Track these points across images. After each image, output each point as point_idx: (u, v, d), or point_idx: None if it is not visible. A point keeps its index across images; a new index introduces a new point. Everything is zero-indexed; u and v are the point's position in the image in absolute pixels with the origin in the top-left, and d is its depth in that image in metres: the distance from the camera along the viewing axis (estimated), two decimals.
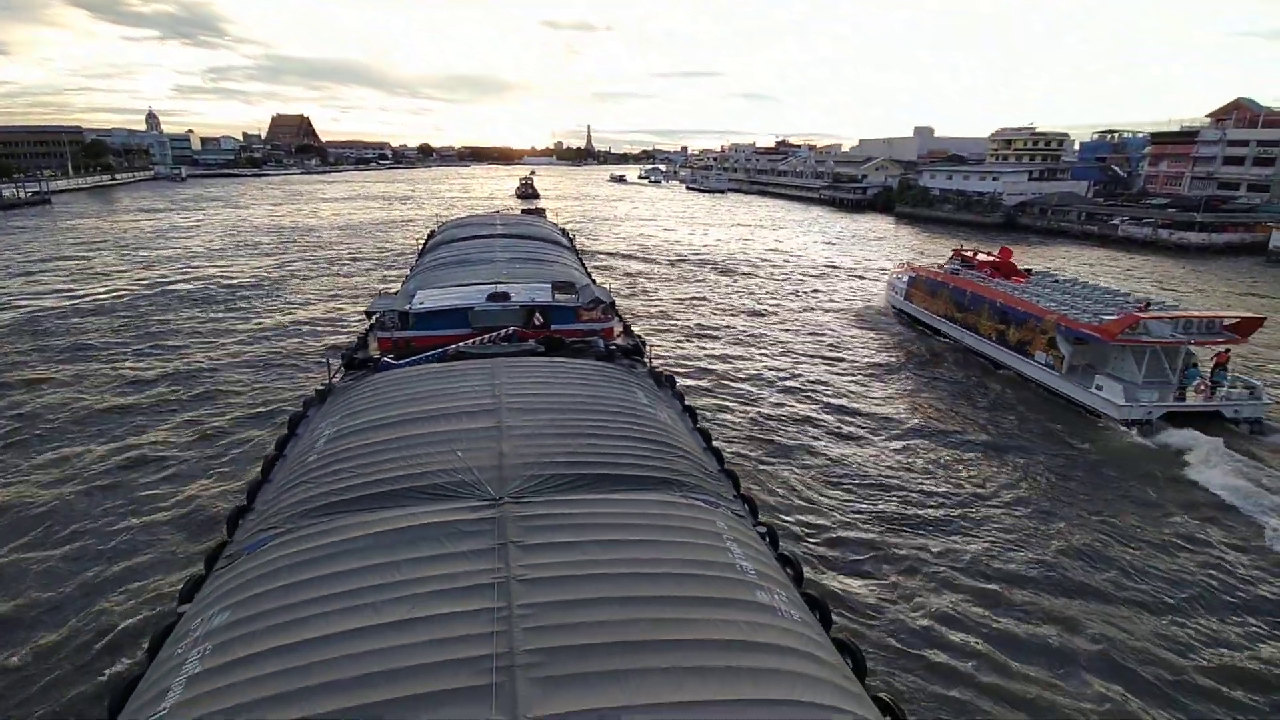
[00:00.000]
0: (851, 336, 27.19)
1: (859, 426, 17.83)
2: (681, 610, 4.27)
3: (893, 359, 24.25)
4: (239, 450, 15.51)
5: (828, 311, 31.56)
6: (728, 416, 18.11)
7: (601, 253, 48.45)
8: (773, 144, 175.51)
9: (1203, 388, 17.87)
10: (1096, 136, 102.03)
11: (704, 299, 33.74)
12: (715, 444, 8.26)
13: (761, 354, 24.41)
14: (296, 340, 25.16)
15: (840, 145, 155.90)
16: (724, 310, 31.48)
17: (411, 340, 11.99)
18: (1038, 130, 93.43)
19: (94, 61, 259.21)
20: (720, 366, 22.71)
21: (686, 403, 9.44)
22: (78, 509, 13.00)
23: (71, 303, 30.44)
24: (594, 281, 16.37)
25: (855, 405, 19.34)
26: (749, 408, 18.98)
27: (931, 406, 19.58)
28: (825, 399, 19.80)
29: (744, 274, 41.04)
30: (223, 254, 45.78)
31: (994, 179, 78.65)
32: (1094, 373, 18.81)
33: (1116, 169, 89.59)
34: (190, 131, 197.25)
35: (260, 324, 27.47)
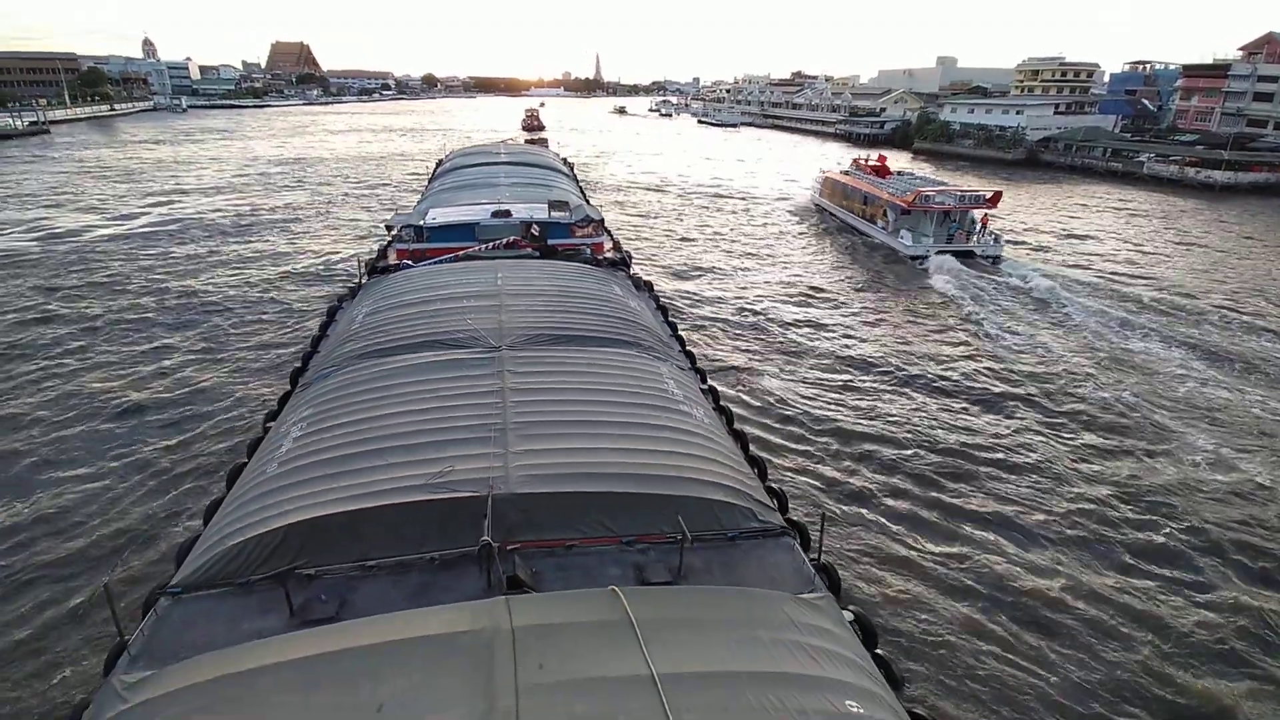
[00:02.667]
0: (784, 220, 38.82)
1: (772, 271, 27.90)
2: (622, 410, 6.21)
3: (804, 229, 36.50)
4: (289, 331, 19.58)
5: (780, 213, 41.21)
6: (688, 286, 25.40)
7: (606, 186, 47.62)
8: (788, 75, 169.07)
9: (961, 236, 29.02)
10: (1128, 68, 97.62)
11: (688, 218, 38.98)
12: (681, 331, 10.27)
13: (724, 249, 31.81)
14: (320, 259, 27.40)
15: (859, 77, 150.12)
16: (703, 225, 37.12)
17: (426, 251, 13.59)
18: (1066, 61, 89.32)
19: None
20: (694, 260, 29.49)
21: (661, 302, 11.35)
22: (185, 375, 16.61)
23: (106, 231, 30.44)
24: (588, 203, 18.36)
25: (773, 256, 30.38)
26: (703, 274, 27.37)
27: (820, 253, 31.52)
28: (754, 253, 30.69)
29: (734, 199, 44.15)
30: (235, 187, 45.32)
31: (1018, 112, 75.80)
32: (905, 227, 29.68)
33: (1146, 103, 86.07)
34: (189, 59, 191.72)
35: (287, 247, 29.40)
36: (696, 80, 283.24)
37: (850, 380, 17.17)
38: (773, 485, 6.30)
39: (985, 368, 18.01)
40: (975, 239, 28.97)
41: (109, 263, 26.08)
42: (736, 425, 7.90)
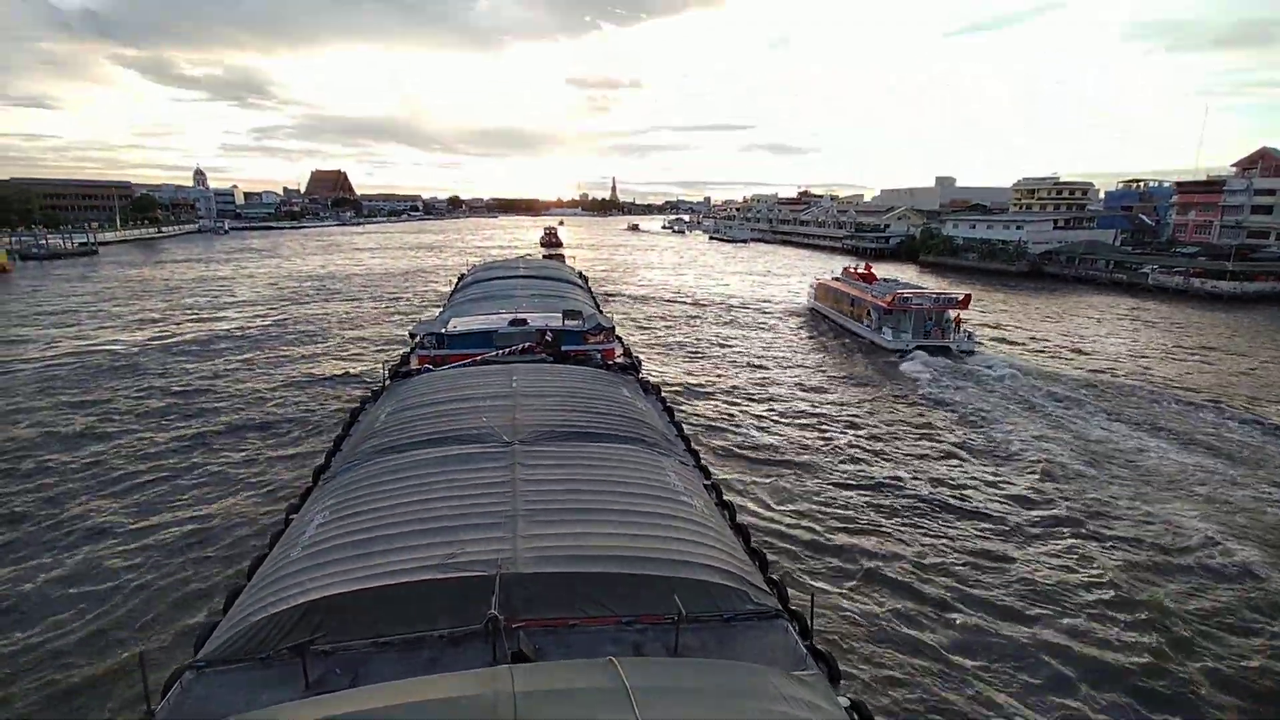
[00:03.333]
0: (785, 323, 42.23)
1: (775, 363, 31.36)
2: (625, 499, 6.53)
3: (801, 329, 40.26)
4: (315, 432, 20.47)
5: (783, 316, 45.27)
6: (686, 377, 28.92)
7: (622, 296, 49.20)
8: (795, 195, 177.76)
9: (937, 333, 32.75)
10: (1121, 186, 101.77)
11: (696, 324, 41.49)
12: (687, 432, 10.65)
13: (729, 351, 34.11)
14: (345, 367, 28.37)
15: (862, 195, 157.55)
16: (710, 330, 39.56)
17: (446, 357, 14.28)
18: (1061, 180, 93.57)
19: (144, 120, 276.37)
20: (696, 350, 31.28)
21: (668, 403, 11.79)
22: (213, 471, 17.71)
23: (134, 345, 31.63)
24: (600, 311, 19.47)
25: (773, 354, 33.45)
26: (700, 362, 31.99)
27: (814, 349, 34.89)
28: (755, 352, 33.58)
29: (742, 309, 46.10)
30: (265, 300, 47.36)
31: (1018, 227, 78.59)
32: (887, 325, 33.31)
33: (1144, 218, 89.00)
34: (235, 187, 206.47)
35: (314, 356, 30.55)
36: (707, 199, 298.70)
37: (840, 460, 19.21)
38: (773, 577, 6.42)
39: (951, 444, 20.56)
40: (951, 336, 32.69)
41: (144, 374, 26.89)
42: (739, 520, 8.17)
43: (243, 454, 18.64)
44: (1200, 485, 17.46)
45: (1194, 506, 16.14)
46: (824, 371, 29.86)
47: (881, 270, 54.12)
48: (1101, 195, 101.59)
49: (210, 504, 15.59)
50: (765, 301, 50.91)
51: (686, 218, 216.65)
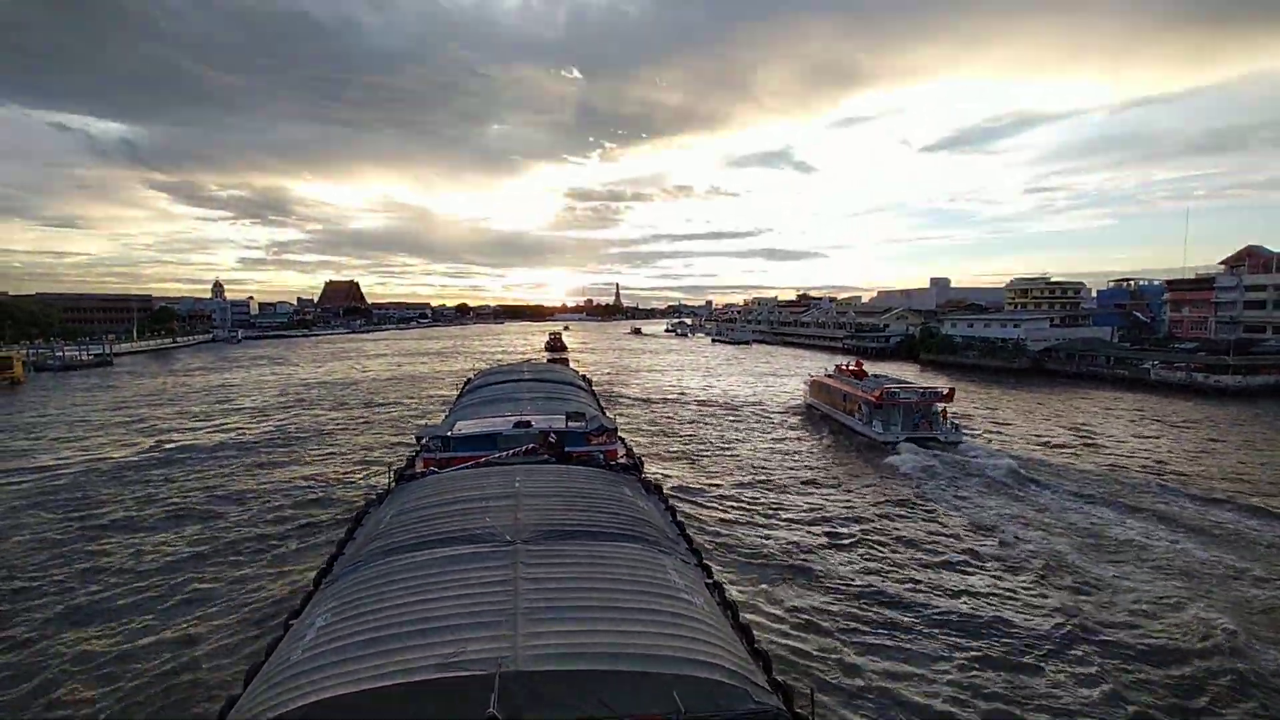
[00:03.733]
0: (785, 420, 43.51)
1: (772, 453, 33.33)
2: (625, 597, 6.54)
3: (798, 424, 41.73)
4: (320, 536, 20.38)
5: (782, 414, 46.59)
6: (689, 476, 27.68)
7: (625, 398, 49.39)
8: (794, 297, 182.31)
9: (925, 425, 34.02)
10: (1112, 285, 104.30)
11: (702, 421, 42.46)
12: (689, 531, 10.62)
13: (730, 451, 32.15)
14: (350, 472, 27.39)
15: (859, 297, 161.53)
16: (711, 429, 39.50)
17: (451, 459, 14.26)
18: (1052, 280, 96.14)
19: (169, 238, 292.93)
20: (697, 454, 30.60)
21: (669, 502, 11.84)
22: (212, 583, 17.34)
23: (136, 455, 31.60)
24: (603, 413, 19.73)
25: (776, 451, 33.95)
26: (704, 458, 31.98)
27: (806, 437, 37.67)
28: (756, 449, 34.46)
29: (743, 408, 45.07)
30: (271, 407, 47.71)
31: (1015, 326, 79.94)
32: (877, 419, 34.65)
33: (1138, 315, 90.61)
34: (251, 298, 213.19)
35: (319, 463, 29.87)
36: (709, 303, 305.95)
37: (841, 560, 19.35)
38: (777, 678, 6.36)
39: (946, 539, 20.95)
40: (939, 428, 34.06)
41: (145, 484, 26.70)
42: (742, 619, 8.20)
43: (240, 568, 18.11)
44: (1216, 583, 16.79)
45: (1212, 605, 15.42)
46: (822, 468, 30.30)
47: (884, 369, 54.72)
48: (1094, 294, 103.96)
49: (206, 620, 15.01)
50: (767, 401, 51.23)
51: (689, 321, 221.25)
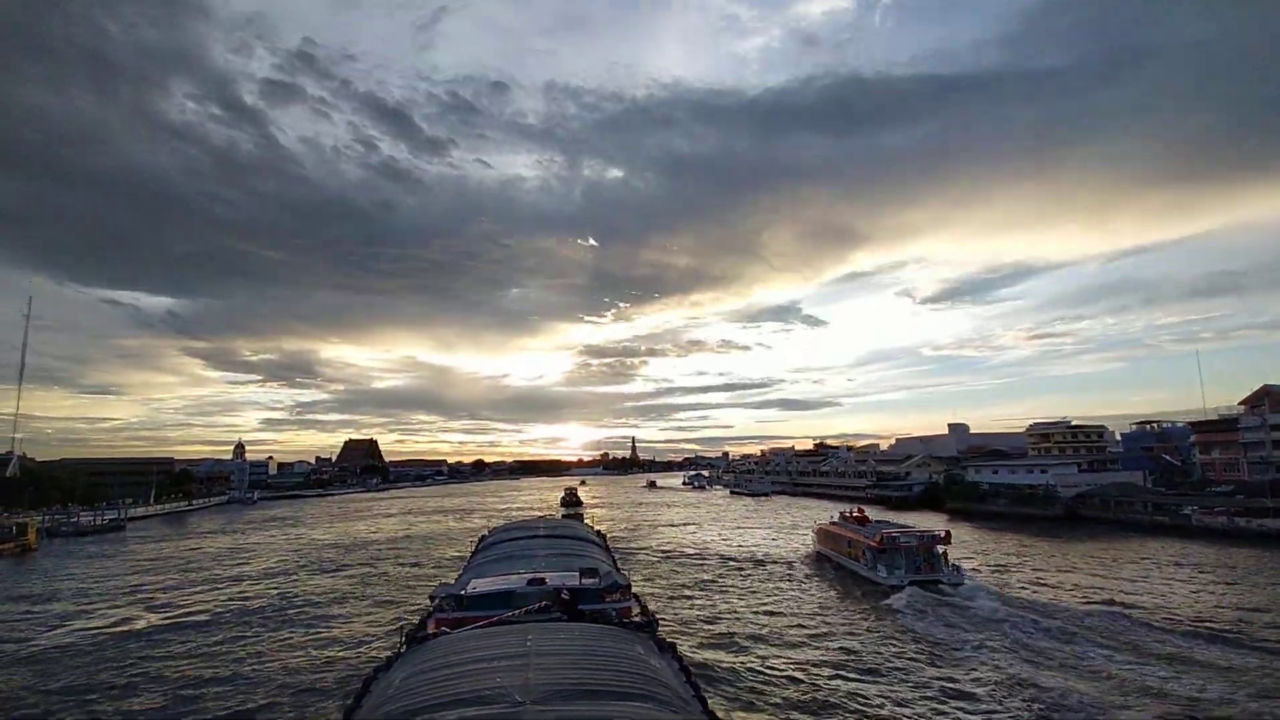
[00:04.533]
0: (798, 570, 43.46)
1: (779, 605, 33.42)
2: None
3: (810, 572, 42.28)
4: (326, 700, 20.11)
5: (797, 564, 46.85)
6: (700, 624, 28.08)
7: (641, 553, 47.63)
8: (811, 446, 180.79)
9: (927, 568, 35.19)
10: (1135, 427, 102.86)
11: (719, 577, 41.00)
12: (703, 691, 10.43)
13: (745, 603, 33.07)
14: (361, 635, 25.72)
15: (877, 445, 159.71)
16: (726, 583, 36.94)
17: (465, 619, 14.04)
18: (1073, 424, 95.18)
19: (198, 402, 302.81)
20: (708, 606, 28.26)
21: (684, 661, 11.52)
22: None
23: (139, 626, 30.49)
24: (617, 569, 19.66)
25: (793, 604, 33.72)
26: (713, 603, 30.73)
27: (815, 585, 37.95)
28: (779, 604, 33.83)
29: (764, 564, 42.38)
30: (280, 571, 46.47)
31: (1041, 471, 78.04)
32: (880, 563, 35.97)
33: (1168, 458, 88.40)
34: (270, 458, 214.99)
35: (329, 627, 29.07)
36: (725, 454, 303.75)
37: (842, 686, 20.79)
38: None
39: (949, 684, 21.30)
40: (941, 570, 35.05)
41: (147, 656, 25.54)
42: None
43: None
44: None
45: None
46: (830, 614, 31.12)
47: (909, 519, 52.94)
48: (1117, 437, 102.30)
49: None
50: (788, 554, 49.48)
51: (706, 473, 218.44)
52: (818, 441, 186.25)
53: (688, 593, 36.30)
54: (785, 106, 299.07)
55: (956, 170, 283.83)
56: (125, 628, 30.63)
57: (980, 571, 39.77)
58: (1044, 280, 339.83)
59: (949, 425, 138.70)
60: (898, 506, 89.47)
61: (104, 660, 25.34)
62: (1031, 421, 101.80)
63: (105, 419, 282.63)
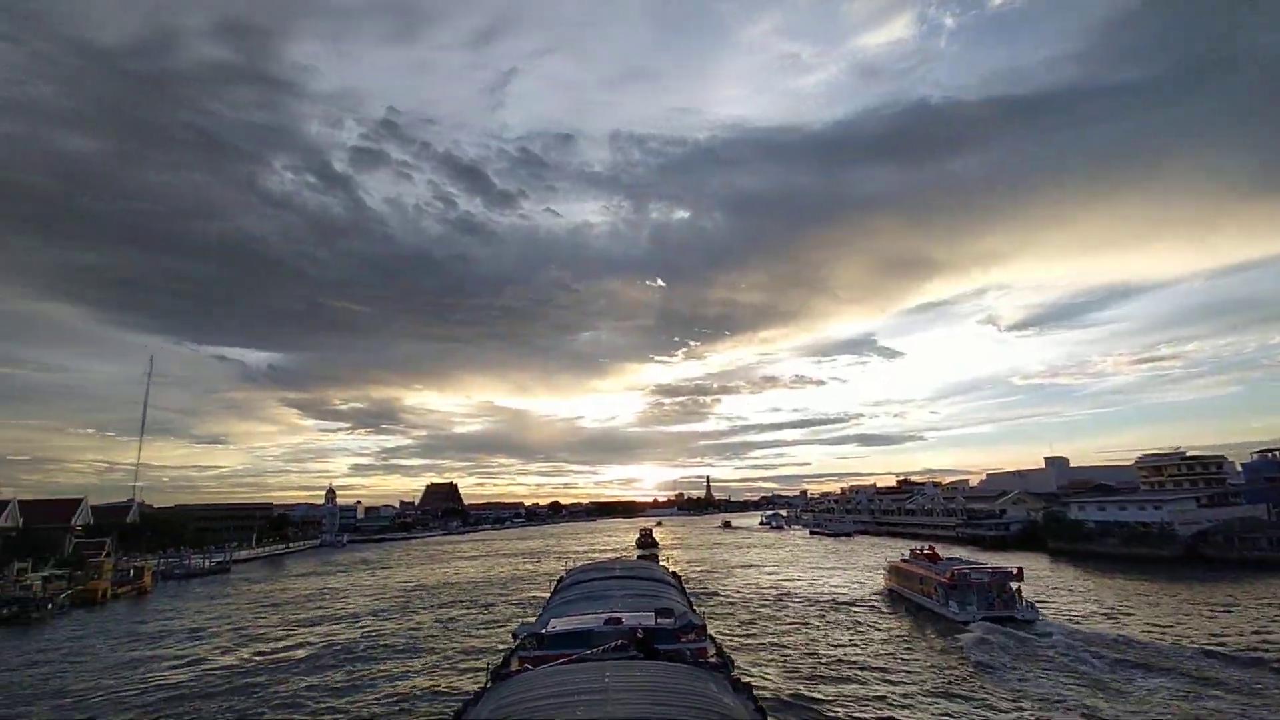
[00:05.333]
0: (873, 606, 44.09)
1: (853, 644, 33.57)
2: None
3: (881, 607, 43.29)
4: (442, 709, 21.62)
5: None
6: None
7: (718, 596, 46.56)
8: (894, 483, 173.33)
9: (999, 605, 35.10)
10: (1256, 456, 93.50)
11: (798, 620, 38.58)
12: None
13: (817, 644, 32.36)
14: (447, 671, 26.79)
15: (967, 481, 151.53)
16: (815, 626, 35.04)
17: (545, 656, 14.60)
18: (1187, 454, 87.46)
19: (294, 449, 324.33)
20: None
21: (759, 703, 11.65)
22: None
23: (238, 664, 32.29)
24: (692, 610, 19.88)
25: (854, 633, 35.96)
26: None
27: (889, 622, 38.43)
28: (841, 631, 36.51)
29: (849, 605, 39.14)
30: (369, 611, 48.15)
31: (1155, 508, 71.79)
32: (952, 600, 36.25)
33: None
34: (358, 502, 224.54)
35: (417, 663, 30.30)
36: (804, 493, 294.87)
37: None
38: None
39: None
40: (1015, 607, 35.11)
41: (253, 693, 26.96)
42: None
43: None
44: None
45: None
46: (905, 649, 31.49)
47: (1006, 560, 49.75)
48: (1238, 468, 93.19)
49: None
50: (870, 594, 47.52)
51: (784, 512, 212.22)
52: (900, 478, 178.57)
53: (762, 634, 35.52)
54: (849, 139, 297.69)
55: (1036, 192, 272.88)
56: (232, 666, 32.41)
57: (1088, 618, 36.85)
58: (1143, 301, 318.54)
59: (1046, 459, 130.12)
60: (993, 547, 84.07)
61: (212, 697, 26.86)
62: (1140, 453, 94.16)
63: (213, 466, 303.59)
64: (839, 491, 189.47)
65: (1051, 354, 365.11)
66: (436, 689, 26.52)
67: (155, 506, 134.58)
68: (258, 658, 34.04)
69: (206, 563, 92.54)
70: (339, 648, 35.70)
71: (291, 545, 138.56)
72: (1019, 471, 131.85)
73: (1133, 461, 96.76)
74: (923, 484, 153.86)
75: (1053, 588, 50.05)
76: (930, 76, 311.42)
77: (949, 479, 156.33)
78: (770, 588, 54.35)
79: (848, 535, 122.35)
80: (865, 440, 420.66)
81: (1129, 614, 38.00)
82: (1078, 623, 34.93)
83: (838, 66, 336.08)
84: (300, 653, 34.75)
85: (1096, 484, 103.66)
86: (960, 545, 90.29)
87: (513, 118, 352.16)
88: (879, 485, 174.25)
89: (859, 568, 68.54)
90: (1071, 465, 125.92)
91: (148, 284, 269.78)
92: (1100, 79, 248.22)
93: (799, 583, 56.84)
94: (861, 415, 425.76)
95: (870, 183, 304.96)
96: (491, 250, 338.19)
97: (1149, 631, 32.82)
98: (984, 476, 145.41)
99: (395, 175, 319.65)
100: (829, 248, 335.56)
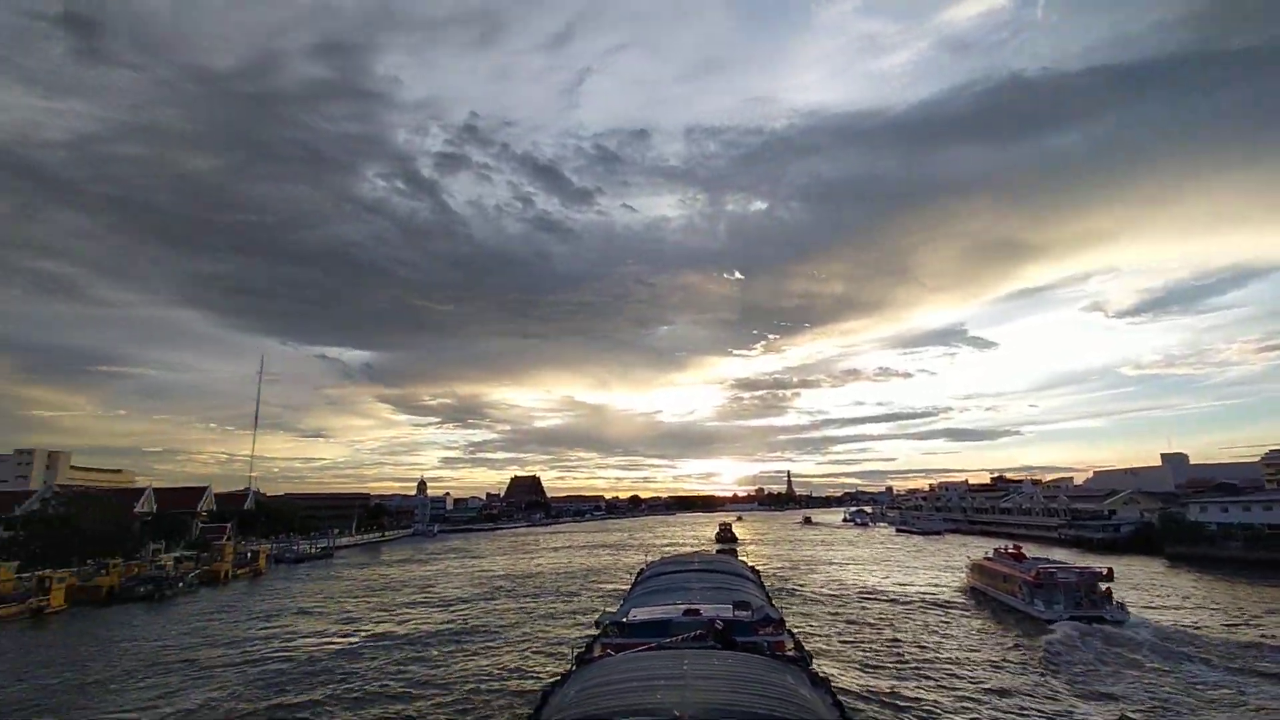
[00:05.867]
0: (949, 598, 45.63)
1: (940, 636, 34.17)
2: None
3: (962, 605, 43.25)
4: (506, 713, 22.34)
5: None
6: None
7: (800, 593, 45.79)
8: (987, 480, 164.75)
9: (1086, 604, 34.85)
10: None
11: (869, 620, 36.14)
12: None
13: (900, 641, 29.12)
14: (534, 656, 28.11)
15: (1071, 479, 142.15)
16: (882, 623, 34.90)
17: (626, 644, 15.02)
18: None
19: (388, 443, 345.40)
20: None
21: (838, 697, 11.69)
22: None
23: (349, 641, 34.75)
24: (771, 604, 20.02)
25: (943, 627, 36.19)
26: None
27: (972, 620, 37.97)
28: (924, 631, 35.73)
29: (931, 607, 37.37)
30: (462, 598, 50.44)
31: None
32: (1038, 598, 35.93)
33: None
34: (447, 494, 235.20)
35: (507, 647, 31.27)
36: (889, 489, 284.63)
37: None
38: None
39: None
40: (1103, 607, 34.69)
41: (356, 667, 28.92)
42: None
43: None
44: None
45: None
46: (988, 647, 31.45)
47: (1117, 564, 46.45)
48: None
49: None
50: (959, 596, 45.23)
51: (868, 509, 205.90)
52: (995, 475, 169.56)
53: (844, 632, 34.79)
54: (936, 119, 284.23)
55: (1145, 167, 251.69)
56: (337, 642, 34.81)
57: (1199, 624, 34.35)
58: (1269, 284, 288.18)
59: (1163, 455, 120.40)
60: (1101, 550, 78.48)
61: (319, 670, 28.96)
62: (1268, 449, 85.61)
63: (317, 458, 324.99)
64: (927, 488, 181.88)
65: (1167, 342, 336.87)
66: (523, 670, 27.65)
67: (267, 495, 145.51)
68: (359, 635, 36.39)
69: (313, 548, 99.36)
70: (432, 629, 37.66)
71: (387, 534, 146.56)
72: (1131, 469, 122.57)
73: (1259, 458, 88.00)
74: (1019, 482, 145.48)
75: (1165, 592, 46.38)
76: (1026, 48, 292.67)
77: (1049, 476, 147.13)
78: (852, 585, 53.04)
79: (937, 534, 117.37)
80: (955, 435, 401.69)
81: (1253, 622, 34.76)
82: (1182, 626, 33.55)
83: (923, 43, 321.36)
84: (398, 632, 36.89)
85: (1218, 483, 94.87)
86: (1063, 547, 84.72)
87: (588, 116, 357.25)
88: (971, 482, 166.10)
89: (947, 567, 65.66)
90: (1191, 462, 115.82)
91: (258, 289, 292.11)
92: (1215, 43, 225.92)
93: (883, 581, 55.25)
94: (951, 409, 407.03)
95: (959, 164, 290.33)
96: (569, 247, 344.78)
97: (1268, 637, 30.39)
98: (1090, 474, 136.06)
99: (476, 177, 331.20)
100: (915, 234, 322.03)
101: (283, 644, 34.97)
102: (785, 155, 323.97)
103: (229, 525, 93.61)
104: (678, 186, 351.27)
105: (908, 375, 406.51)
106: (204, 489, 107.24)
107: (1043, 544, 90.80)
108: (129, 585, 54.06)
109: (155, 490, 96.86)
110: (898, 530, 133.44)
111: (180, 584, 58.35)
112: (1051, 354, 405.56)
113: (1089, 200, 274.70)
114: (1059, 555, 70.69)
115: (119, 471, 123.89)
